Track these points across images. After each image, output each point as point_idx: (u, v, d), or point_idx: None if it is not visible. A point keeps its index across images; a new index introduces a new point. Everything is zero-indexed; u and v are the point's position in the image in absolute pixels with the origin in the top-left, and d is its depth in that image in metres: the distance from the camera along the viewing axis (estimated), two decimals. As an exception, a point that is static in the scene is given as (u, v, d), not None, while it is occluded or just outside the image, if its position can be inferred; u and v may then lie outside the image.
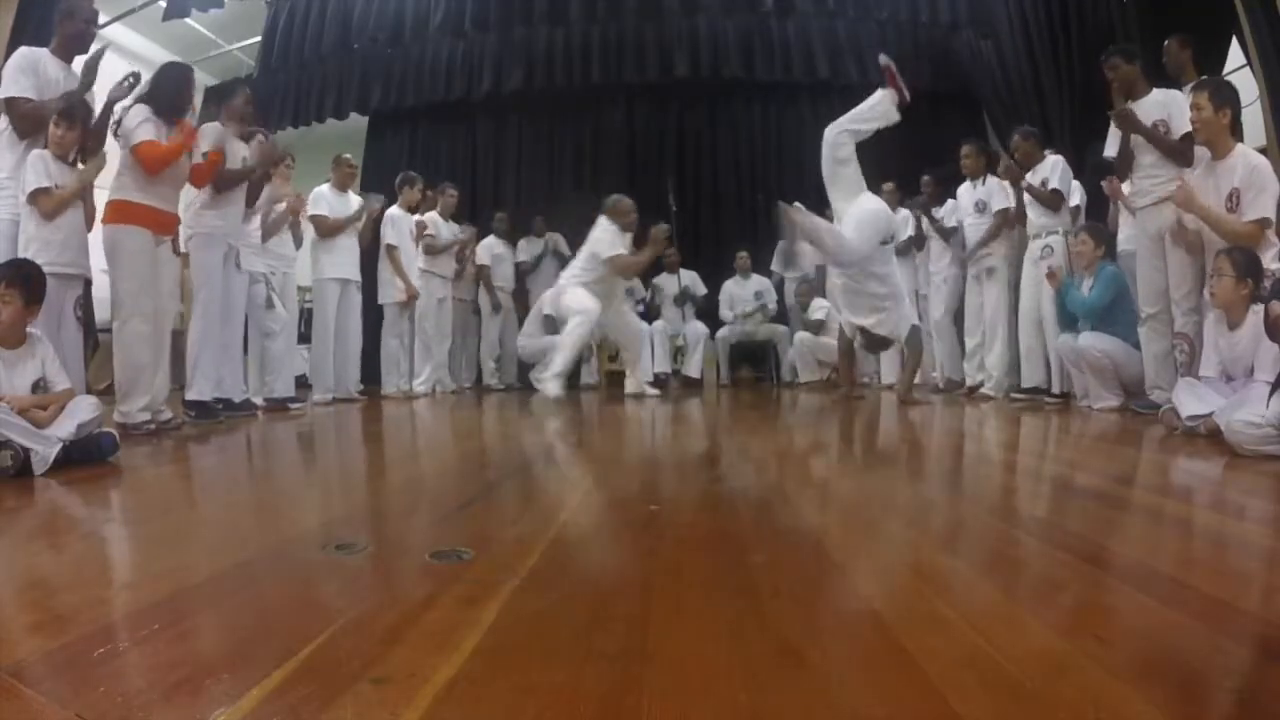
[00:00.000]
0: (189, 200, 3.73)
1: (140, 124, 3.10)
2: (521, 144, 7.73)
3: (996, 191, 4.66)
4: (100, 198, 3.28)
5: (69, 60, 3.25)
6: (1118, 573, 1.17)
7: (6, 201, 3.05)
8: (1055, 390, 4.24)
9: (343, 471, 2.69)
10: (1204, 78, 3.31)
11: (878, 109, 4.55)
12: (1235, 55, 4.48)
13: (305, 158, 5.34)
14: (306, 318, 5.68)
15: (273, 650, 0.83)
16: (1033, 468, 2.41)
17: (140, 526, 1.70)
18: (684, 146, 7.59)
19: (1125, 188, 3.75)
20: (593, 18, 7.08)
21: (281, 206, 4.57)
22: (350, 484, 2.34)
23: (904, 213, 5.85)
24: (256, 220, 4.30)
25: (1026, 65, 5.89)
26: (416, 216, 5.70)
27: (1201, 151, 3.19)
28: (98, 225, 3.19)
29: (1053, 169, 4.22)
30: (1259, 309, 2.53)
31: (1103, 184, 4.09)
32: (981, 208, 4.79)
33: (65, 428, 2.20)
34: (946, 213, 5.26)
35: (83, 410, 2.30)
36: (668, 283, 6.96)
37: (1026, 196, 4.35)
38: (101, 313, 4.12)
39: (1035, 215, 4.32)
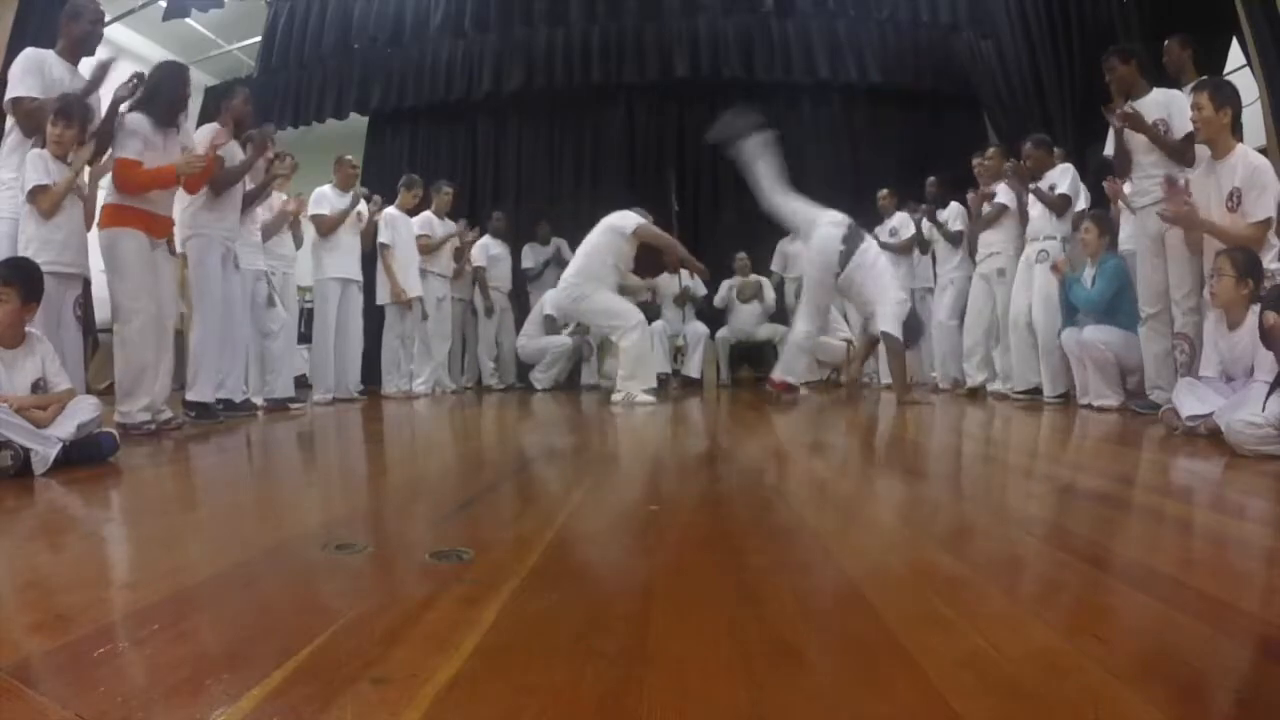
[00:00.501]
0: (186, 202, 3.73)
1: (129, 136, 3.10)
2: (521, 144, 7.72)
3: (1004, 193, 4.66)
4: (101, 199, 3.28)
5: (75, 61, 3.25)
6: (1118, 573, 1.17)
7: (11, 202, 3.05)
8: (1050, 391, 4.25)
9: (343, 471, 2.69)
10: (1204, 77, 3.31)
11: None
12: (1235, 55, 4.48)
13: (305, 158, 5.34)
14: (307, 317, 5.68)
15: (273, 650, 0.83)
16: (1033, 468, 2.41)
17: (140, 526, 1.70)
18: (684, 146, 7.58)
19: (1125, 188, 3.75)
20: (593, 18, 7.08)
21: (281, 208, 4.57)
22: (350, 484, 2.34)
23: (901, 215, 5.86)
24: (256, 220, 4.29)
25: (1027, 65, 5.89)
26: (414, 217, 5.71)
27: (1202, 151, 3.20)
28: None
29: (1062, 175, 4.24)
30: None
31: (1104, 184, 4.09)
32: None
33: (65, 428, 2.21)
34: (951, 216, 5.26)
35: (83, 410, 2.30)
36: (668, 283, 6.95)
37: (1030, 198, 4.36)
38: (101, 313, 4.13)
39: (1037, 217, 4.33)
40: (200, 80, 7.54)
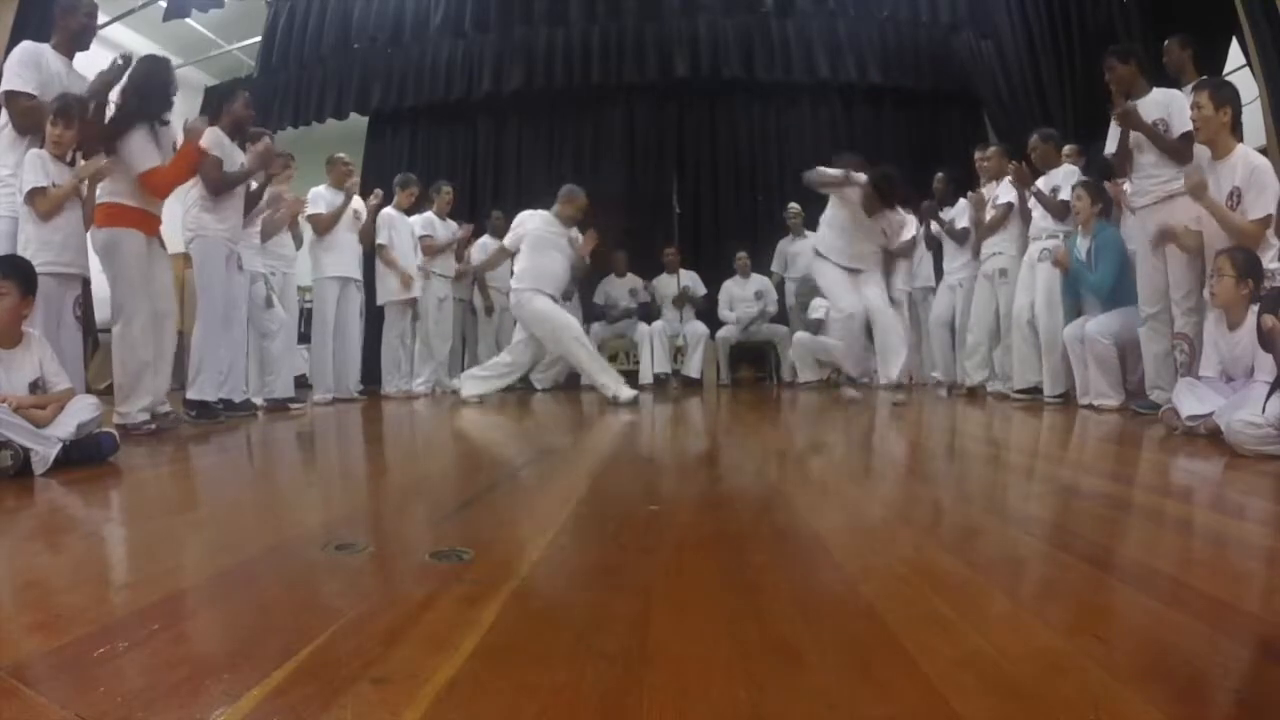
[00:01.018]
0: (188, 203, 3.74)
1: (141, 148, 3.12)
2: (521, 144, 7.72)
3: (1007, 191, 4.66)
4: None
5: (71, 55, 3.25)
6: (1118, 573, 1.17)
7: (8, 199, 3.05)
8: (1050, 390, 4.25)
9: (343, 471, 2.69)
10: (1204, 77, 3.31)
11: None
12: (1235, 55, 4.49)
13: (305, 158, 5.34)
14: (306, 318, 5.68)
15: (273, 650, 0.83)
16: (1033, 467, 2.41)
17: (140, 526, 1.70)
18: (684, 146, 7.59)
19: (1125, 187, 3.75)
20: (593, 18, 7.08)
21: (281, 209, 4.57)
22: (350, 484, 2.34)
23: (903, 214, 5.85)
24: (256, 223, 4.30)
25: (1027, 65, 5.89)
26: (412, 217, 5.71)
27: (1201, 151, 3.20)
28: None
29: (1065, 178, 4.23)
30: (1260, 309, 2.53)
31: (1105, 184, 4.09)
32: (995, 203, 4.80)
33: (65, 428, 2.21)
34: (957, 214, 5.26)
35: (83, 410, 2.30)
36: (667, 283, 6.96)
37: (1032, 200, 4.36)
38: (101, 312, 4.12)
39: (1039, 217, 4.33)
40: (200, 80, 7.57)
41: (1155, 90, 3.53)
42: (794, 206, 6.63)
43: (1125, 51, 3.65)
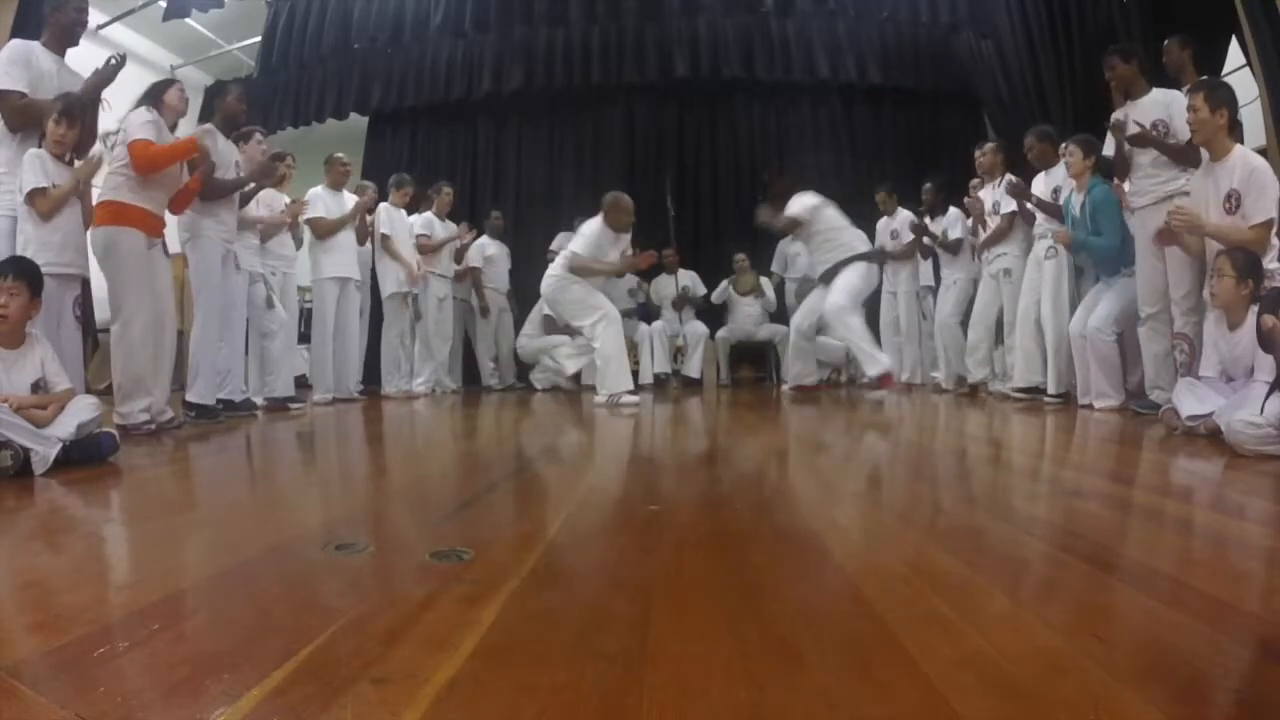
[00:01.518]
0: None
1: (140, 124, 3.11)
2: (521, 144, 7.73)
3: (1009, 199, 4.66)
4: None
5: (61, 52, 3.25)
6: (1118, 573, 1.17)
7: (5, 197, 3.05)
8: (1052, 389, 4.25)
9: (343, 471, 2.69)
10: (1201, 78, 3.30)
11: None
12: (1235, 55, 4.48)
13: (305, 158, 5.34)
14: (306, 318, 5.68)
15: (273, 650, 0.83)
16: (1033, 467, 2.41)
17: (140, 526, 1.70)
18: (684, 146, 7.59)
19: (1125, 187, 3.75)
20: (593, 18, 7.08)
21: (282, 210, 4.57)
22: (350, 484, 2.34)
23: (904, 214, 5.86)
24: (253, 220, 4.30)
25: (1027, 65, 5.89)
26: (413, 216, 5.72)
27: (1201, 152, 3.19)
28: (94, 225, 3.20)
29: (1064, 177, 4.22)
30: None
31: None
32: (996, 209, 4.80)
33: (65, 428, 2.21)
34: (950, 222, 5.26)
35: (83, 410, 2.30)
36: (666, 283, 6.96)
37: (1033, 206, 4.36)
38: (101, 313, 4.13)
39: (1042, 217, 4.33)
40: (200, 80, 7.57)
41: (1155, 90, 3.53)
42: None
43: (1127, 51, 3.64)
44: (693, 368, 6.84)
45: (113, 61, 3.14)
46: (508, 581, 1.09)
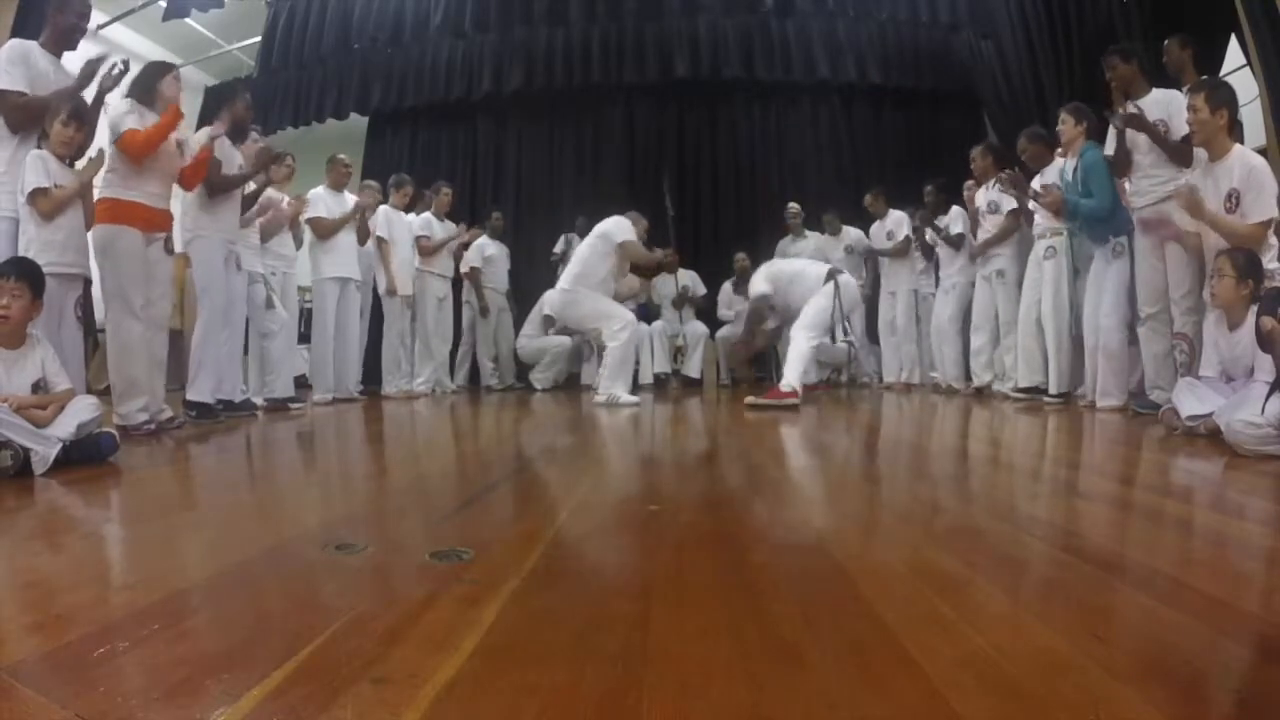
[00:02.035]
0: (186, 203, 3.73)
1: (124, 115, 3.11)
2: (521, 144, 7.73)
3: (1009, 199, 4.65)
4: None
5: (59, 54, 3.25)
6: (1118, 572, 1.17)
7: (4, 198, 3.05)
8: (1054, 389, 4.25)
9: (343, 471, 2.69)
10: (1201, 78, 3.31)
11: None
12: (1235, 55, 4.48)
13: (305, 158, 5.35)
14: (306, 318, 5.68)
15: (273, 650, 0.83)
16: (1033, 467, 2.41)
17: (140, 526, 1.70)
18: (684, 146, 7.59)
19: (1125, 186, 3.75)
20: (593, 18, 7.09)
21: (282, 210, 4.57)
22: (350, 484, 2.34)
23: (897, 214, 5.86)
24: (254, 223, 4.30)
25: (1026, 65, 5.89)
26: (411, 216, 5.72)
27: (1199, 152, 3.20)
28: (95, 224, 3.20)
29: (1059, 173, 4.21)
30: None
31: None
32: (994, 209, 4.80)
33: (65, 428, 2.21)
34: (952, 220, 5.27)
35: (83, 410, 2.30)
36: (666, 284, 6.96)
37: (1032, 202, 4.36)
38: (101, 312, 4.13)
39: (1040, 216, 4.33)
40: (200, 80, 7.57)
41: (1155, 90, 3.53)
42: (793, 206, 6.64)
43: (1127, 50, 3.65)
44: (693, 368, 6.84)
45: (117, 69, 3.14)
46: (508, 581, 1.09)
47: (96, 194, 3.19)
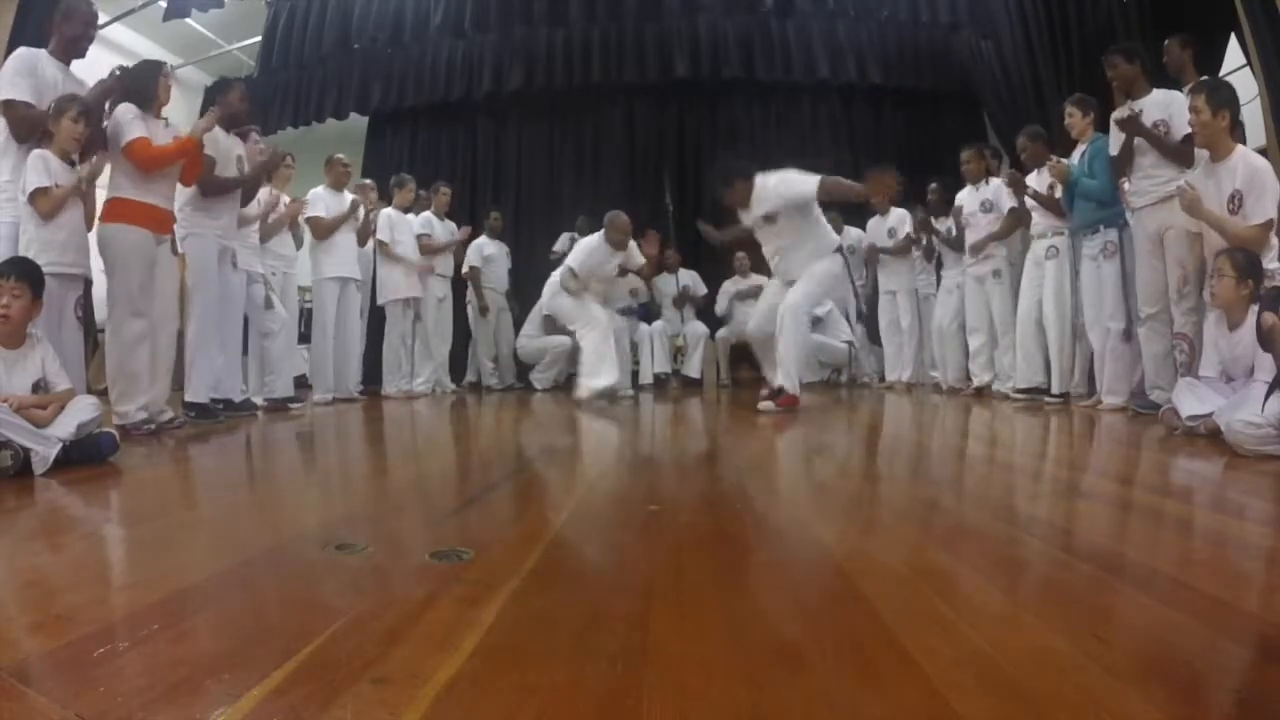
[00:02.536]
0: (182, 201, 3.73)
1: (130, 121, 3.11)
2: (521, 144, 7.72)
3: (1004, 192, 4.65)
4: (100, 198, 3.28)
5: (67, 62, 3.24)
6: (1118, 572, 1.17)
7: (7, 205, 3.05)
8: (1055, 388, 4.25)
9: (343, 471, 2.69)
10: (1202, 79, 3.31)
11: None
12: (1235, 55, 4.48)
13: (305, 158, 5.34)
14: (306, 318, 5.68)
15: (273, 650, 0.83)
16: (1033, 468, 2.41)
17: (140, 526, 1.70)
18: (684, 146, 7.58)
19: (1125, 186, 3.75)
20: (593, 18, 7.08)
21: (281, 209, 4.57)
22: (350, 484, 2.34)
23: (899, 212, 5.85)
24: (254, 222, 4.30)
25: (1026, 65, 5.89)
26: (411, 216, 5.72)
27: (1201, 153, 3.19)
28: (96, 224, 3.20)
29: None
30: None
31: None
32: (988, 208, 4.79)
33: (65, 428, 2.21)
34: (951, 217, 5.26)
35: (83, 410, 2.30)
36: (667, 283, 6.96)
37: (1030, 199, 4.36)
38: (101, 312, 4.13)
39: (1040, 217, 4.33)
40: (200, 80, 7.57)
41: (1156, 91, 3.53)
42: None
43: (1129, 50, 3.65)
44: (693, 368, 6.84)
45: (116, 73, 3.15)
46: (508, 581, 1.09)
47: (105, 194, 3.19)
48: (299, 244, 4.92)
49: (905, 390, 5.66)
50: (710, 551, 1.33)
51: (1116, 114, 3.53)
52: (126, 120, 3.12)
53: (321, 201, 4.95)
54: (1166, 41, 3.78)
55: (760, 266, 6.88)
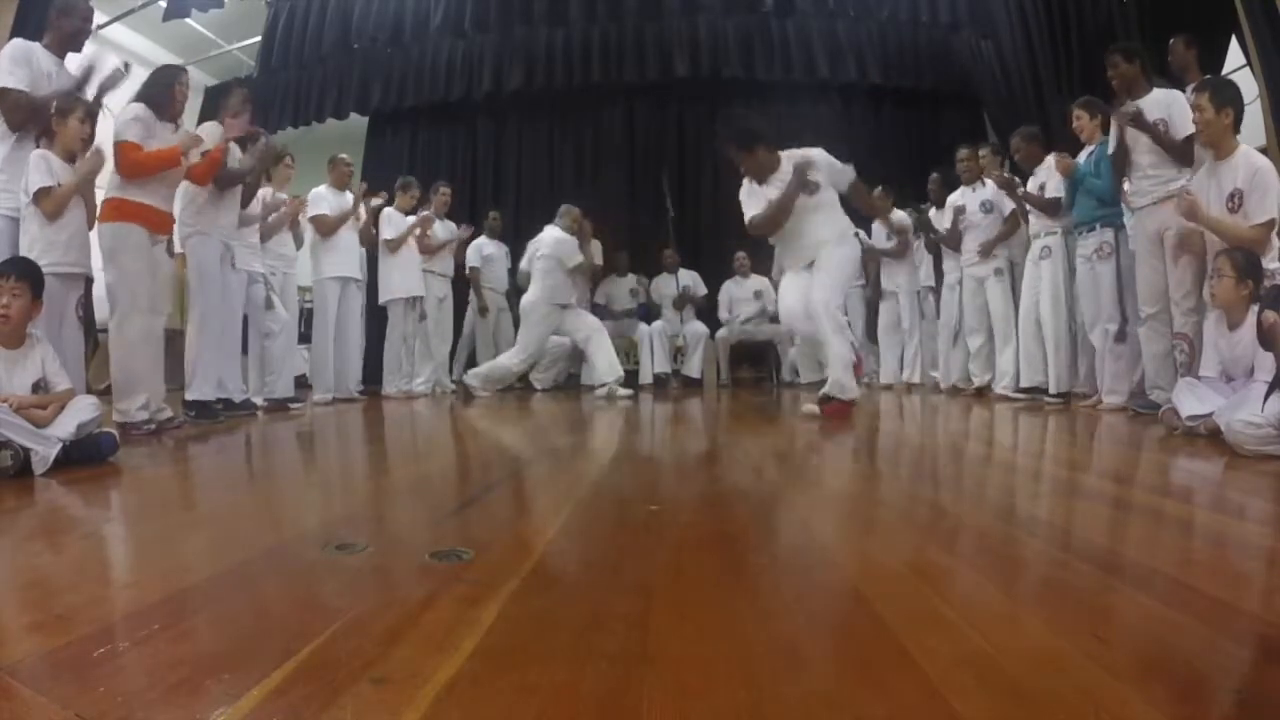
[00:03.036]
0: (185, 200, 3.73)
1: (129, 122, 3.11)
2: (521, 144, 7.73)
3: (1007, 200, 4.65)
4: (100, 198, 3.28)
5: (62, 56, 3.25)
6: (1118, 572, 1.17)
7: (7, 198, 3.05)
8: (1053, 388, 4.25)
9: (343, 471, 2.69)
10: (1205, 77, 3.31)
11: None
12: (1235, 55, 4.48)
13: (305, 158, 5.34)
14: (306, 318, 5.68)
15: (273, 650, 0.83)
16: (1033, 467, 2.41)
17: (140, 526, 1.70)
18: (684, 146, 7.59)
19: (1125, 187, 3.75)
20: (593, 18, 7.08)
21: (283, 209, 4.57)
22: (350, 484, 2.34)
23: (899, 214, 5.85)
24: (255, 219, 4.30)
25: (1026, 65, 5.89)
26: (412, 218, 5.72)
27: (1205, 152, 3.19)
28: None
29: (1050, 173, 4.20)
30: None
31: None
32: (989, 208, 4.79)
33: (65, 427, 2.21)
34: (951, 213, 5.25)
35: (83, 410, 2.30)
36: (667, 283, 6.96)
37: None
38: (101, 312, 4.13)
39: (1034, 217, 4.33)
40: (200, 80, 7.56)
41: (1156, 90, 3.53)
42: None
43: (1131, 50, 3.65)
44: (693, 368, 6.84)
45: (119, 73, 3.15)
46: (508, 581, 1.09)
47: (104, 193, 3.19)
48: (299, 244, 4.92)
49: (905, 390, 5.66)
50: (710, 551, 1.33)
51: (1120, 113, 3.53)
52: (125, 120, 3.12)
53: (324, 201, 4.95)
54: (1171, 40, 3.79)
55: (760, 268, 6.90)
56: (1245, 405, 2.32)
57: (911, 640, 0.86)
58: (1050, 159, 4.22)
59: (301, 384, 5.02)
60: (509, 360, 5.60)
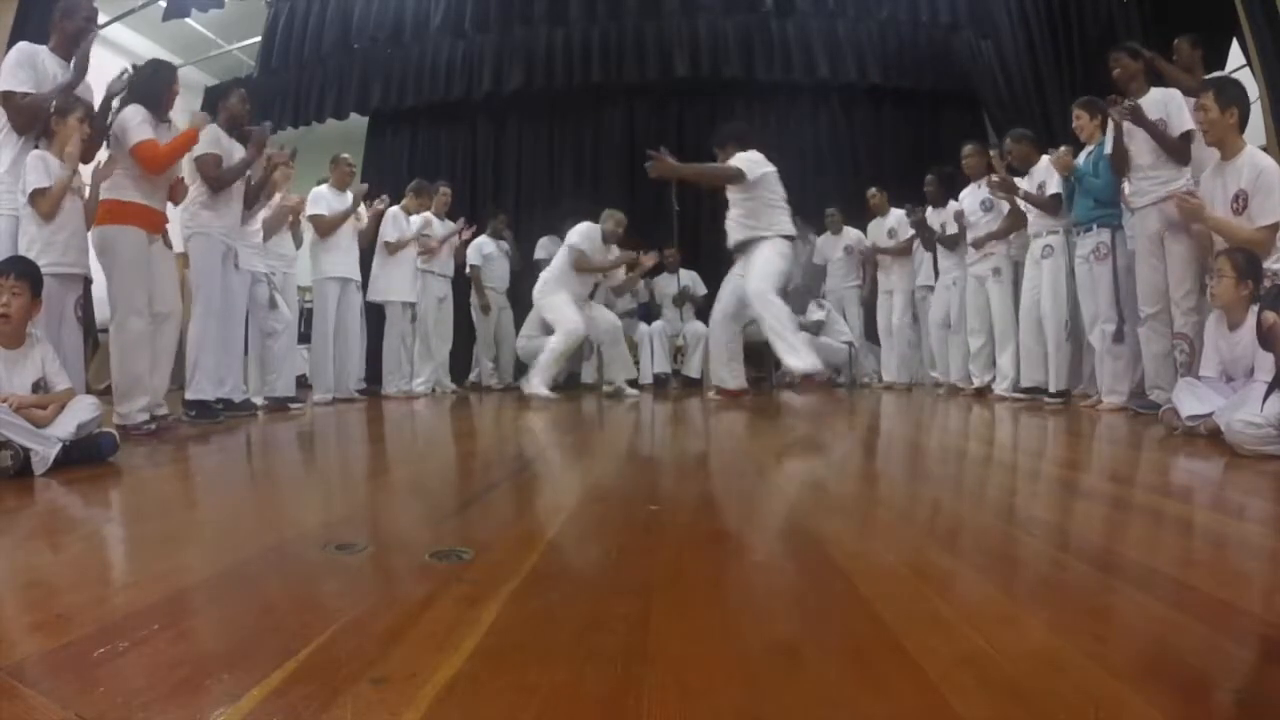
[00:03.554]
0: (188, 200, 3.74)
1: (138, 124, 3.12)
2: (521, 144, 7.72)
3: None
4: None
5: (67, 58, 3.25)
6: (1117, 572, 1.17)
7: (5, 196, 3.05)
8: (1053, 387, 4.25)
9: (343, 471, 2.69)
10: (1209, 77, 3.31)
11: None
12: (1235, 55, 4.49)
13: (305, 158, 5.33)
14: (306, 318, 5.69)
15: (273, 650, 0.83)
16: (1032, 467, 2.41)
17: (140, 526, 1.70)
18: (684, 146, 7.55)
19: (1124, 187, 3.75)
20: (593, 18, 7.08)
21: (282, 210, 4.58)
22: (350, 484, 2.34)
23: (898, 213, 5.86)
24: (257, 221, 4.30)
25: (1026, 65, 5.89)
26: (414, 218, 5.73)
27: (1209, 152, 3.19)
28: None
29: (1048, 172, 4.20)
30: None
31: None
32: (988, 206, 4.79)
33: (65, 428, 2.21)
34: (949, 215, 5.25)
35: (83, 410, 2.30)
36: (667, 283, 6.96)
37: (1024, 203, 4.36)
38: (101, 312, 4.13)
39: (1035, 216, 4.33)
40: (200, 80, 7.57)
41: (1153, 90, 3.53)
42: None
43: (1135, 49, 3.66)
44: (693, 368, 6.83)
45: (125, 75, 3.17)
46: (508, 581, 1.09)
47: (101, 194, 3.20)
48: (298, 244, 4.92)
49: (905, 390, 5.66)
50: (710, 551, 1.33)
51: (1119, 110, 3.53)
52: (135, 123, 3.13)
53: (324, 201, 4.95)
54: (1176, 41, 3.79)
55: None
56: (1245, 405, 2.32)
57: (911, 640, 0.86)
58: (1046, 158, 4.23)
59: (302, 384, 5.03)
60: (555, 343, 5.24)
